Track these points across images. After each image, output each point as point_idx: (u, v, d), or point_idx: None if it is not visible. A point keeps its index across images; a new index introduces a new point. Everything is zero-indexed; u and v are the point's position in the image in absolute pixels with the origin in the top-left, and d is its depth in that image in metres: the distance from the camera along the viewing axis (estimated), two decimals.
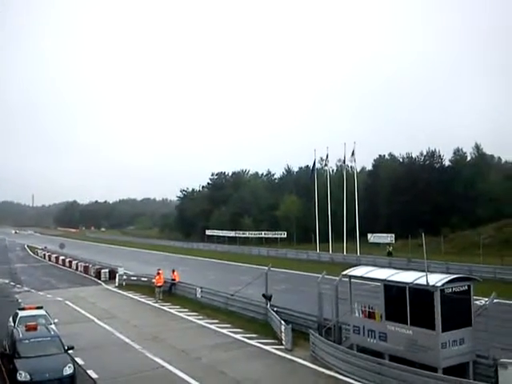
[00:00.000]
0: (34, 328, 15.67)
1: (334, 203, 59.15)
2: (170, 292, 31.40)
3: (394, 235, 56.57)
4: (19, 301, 29.88)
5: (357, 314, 16.38)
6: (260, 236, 79.94)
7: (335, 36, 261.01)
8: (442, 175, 70.65)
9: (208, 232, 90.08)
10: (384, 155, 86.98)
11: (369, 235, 58.54)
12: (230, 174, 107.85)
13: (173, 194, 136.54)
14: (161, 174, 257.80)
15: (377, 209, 73.01)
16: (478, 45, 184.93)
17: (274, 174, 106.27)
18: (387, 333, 15.00)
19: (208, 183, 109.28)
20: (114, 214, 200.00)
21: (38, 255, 68.64)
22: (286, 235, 74.22)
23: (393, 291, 15.15)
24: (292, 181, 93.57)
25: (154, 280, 31.27)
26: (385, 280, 15.38)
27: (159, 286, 30.45)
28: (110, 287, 36.50)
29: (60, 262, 54.42)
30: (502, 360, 13.09)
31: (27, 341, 14.92)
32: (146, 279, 35.06)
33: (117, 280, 36.99)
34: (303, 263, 48.99)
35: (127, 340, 20.40)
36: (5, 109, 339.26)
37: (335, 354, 15.68)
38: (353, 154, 56.95)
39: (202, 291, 28.76)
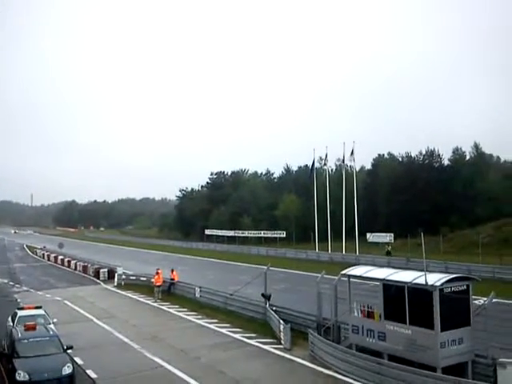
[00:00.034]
0: (33, 328, 15.66)
1: (333, 203, 59.18)
2: (169, 291, 31.39)
3: (393, 234, 56.59)
4: (18, 300, 29.88)
5: (356, 314, 16.38)
6: (259, 235, 79.93)
7: (335, 36, 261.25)
8: (441, 174, 70.69)
9: (207, 232, 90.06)
10: (383, 154, 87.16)
11: (368, 234, 58.56)
12: (229, 174, 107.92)
13: (172, 194, 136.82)
14: (160, 174, 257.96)
15: (376, 208, 73.05)
16: (478, 45, 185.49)
17: (273, 174, 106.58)
18: (386, 332, 15.01)
19: (207, 183, 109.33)
20: (113, 213, 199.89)
21: (36, 255, 68.60)
22: (285, 235, 74.24)
23: (392, 291, 15.15)
24: (291, 180, 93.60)
25: (153, 280, 31.26)
26: (384, 279, 15.39)
27: (158, 286, 30.44)
28: (108, 287, 36.48)
29: (59, 261, 54.37)
30: (500, 359, 13.11)
31: (26, 340, 14.92)
32: (144, 279, 35.05)
33: (116, 279, 37.00)
34: (302, 263, 49.00)
35: (126, 340, 20.40)
36: (4, 109, 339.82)
37: (334, 354, 15.68)
38: (352, 153, 56.95)
39: (201, 291, 28.75)
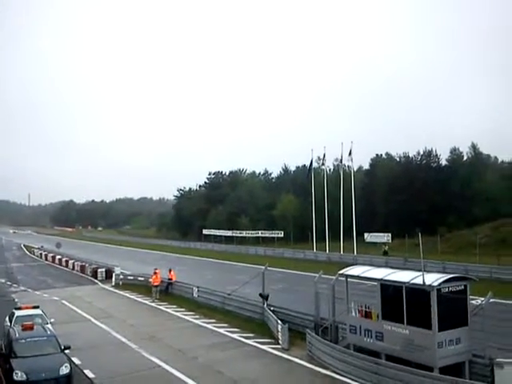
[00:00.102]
0: (31, 328, 15.65)
1: (331, 202, 59.18)
2: (167, 291, 31.38)
3: (390, 234, 56.68)
4: (15, 300, 29.87)
5: (353, 314, 16.40)
6: (257, 235, 79.92)
7: (333, 36, 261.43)
8: (439, 175, 70.79)
9: (205, 231, 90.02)
10: (381, 155, 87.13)
11: (365, 234, 58.62)
12: (227, 174, 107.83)
13: (170, 194, 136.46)
14: (158, 174, 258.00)
15: (374, 208, 73.06)
16: (477, 45, 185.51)
17: (271, 174, 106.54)
18: (384, 332, 15.02)
19: (205, 182, 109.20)
20: (111, 213, 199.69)
21: (34, 254, 68.52)
22: (282, 234, 74.18)
23: (389, 291, 15.17)
24: (289, 180, 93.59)
25: (150, 279, 31.24)
26: (381, 279, 15.40)
27: (156, 286, 30.43)
28: (106, 287, 36.44)
29: (56, 261, 54.33)
30: (498, 359, 13.13)
31: (23, 340, 14.90)
32: (142, 279, 35.03)
33: (113, 279, 36.95)
34: (300, 262, 49.03)
35: (124, 339, 20.38)
36: (3, 108, 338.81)
37: (332, 354, 15.70)
38: (350, 153, 56.98)
39: (198, 291, 28.74)
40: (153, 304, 28.97)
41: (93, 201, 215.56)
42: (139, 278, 35.70)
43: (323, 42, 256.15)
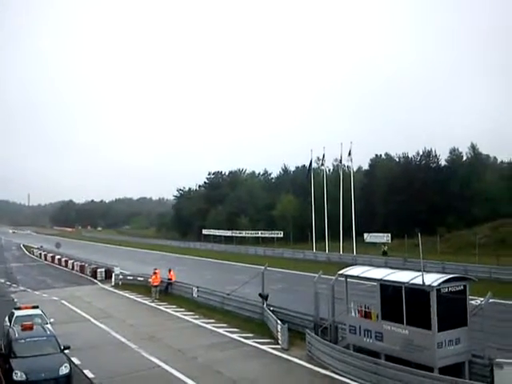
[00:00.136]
0: (30, 328, 15.64)
1: (331, 203, 59.16)
2: (167, 291, 31.37)
3: (390, 235, 56.67)
4: (15, 300, 29.87)
5: (353, 314, 16.41)
6: (257, 235, 79.90)
7: (333, 36, 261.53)
8: (438, 175, 70.79)
9: (205, 231, 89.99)
10: (380, 155, 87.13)
11: (365, 235, 58.61)
12: (226, 174, 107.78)
13: (169, 194, 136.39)
14: (157, 174, 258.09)
15: (373, 208, 73.05)
16: (477, 45, 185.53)
17: (270, 174, 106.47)
18: (383, 332, 15.03)
19: (205, 182, 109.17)
20: (111, 213, 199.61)
21: (33, 254, 68.50)
22: (282, 235, 74.17)
23: (389, 291, 15.18)
24: (289, 180, 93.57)
25: (150, 279, 31.23)
26: (381, 280, 15.40)
27: (155, 286, 30.43)
28: (106, 287, 36.44)
29: (56, 261, 54.32)
30: (497, 360, 13.14)
31: (23, 340, 14.90)
32: (142, 279, 35.03)
33: (113, 279, 36.94)
34: (300, 263, 49.03)
35: (123, 339, 20.38)
36: (3, 108, 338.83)
37: (331, 354, 15.70)
38: (349, 153, 57.01)
39: (198, 291, 28.74)
40: (152, 304, 28.97)
41: (92, 201, 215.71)
42: (139, 278, 35.70)
43: (323, 42, 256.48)
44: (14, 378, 13.53)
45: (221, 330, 21.57)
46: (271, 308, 21.86)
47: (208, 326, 22.53)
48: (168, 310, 26.82)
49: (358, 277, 16.79)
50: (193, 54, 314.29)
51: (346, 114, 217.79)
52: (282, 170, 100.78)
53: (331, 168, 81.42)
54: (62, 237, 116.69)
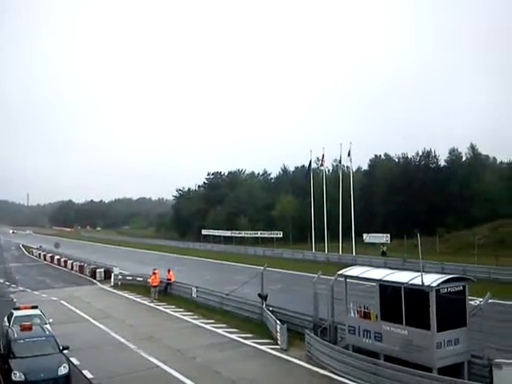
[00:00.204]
0: (29, 328, 15.62)
1: (330, 203, 59.17)
2: (166, 292, 31.36)
3: (389, 235, 56.68)
4: (14, 300, 29.83)
5: (352, 314, 16.41)
6: (256, 236, 79.91)
7: (333, 36, 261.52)
8: (438, 175, 70.87)
9: (204, 232, 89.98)
10: (380, 155, 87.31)
11: (364, 235, 58.59)
12: (226, 174, 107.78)
13: (169, 194, 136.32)
14: (157, 174, 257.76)
15: (372, 209, 73.11)
16: (476, 45, 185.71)
17: (270, 174, 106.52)
18: (382, 333, 15.03)
19: (204, 183, 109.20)
20: (110, 213, 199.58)
21: (32, 254, 68.46)
22: (281, 235, 74.20)
23: (388, 291, 15.18)
24: (288, 180, 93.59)
25: (149, 280, 31.22)
26: (380, 280, 15.41)
27: (155, 286, 30.42)
28: (105, 287, 36.42)
29: (55, 261, 54.29)
30: (496, 360, 13.14)
31: (22, 341, 14.87)
32: (141, 279, 35.01)
33: (112, 280, 36.91)
34: (299, 263, 49.01)
35: (122, 340, 20.38)
36: (2, 108, 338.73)
37: (330, 354, 15.69)
38: (349, 154, 57.01)
39: (197, 291, 28.73)
40: (151, 304, 28.96)
41: (91, 201, 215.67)
42: (138, 279, 35.68)
43: (322, 43, 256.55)
44: (13, 378, 13.52)
45: (220, 331, 21.57)
46: (270, 308, 21.84)
47: (207, 327, 22.53)
48: (167, 311, 26.81)
49: (357, 277, 16.79)
50: (192, 53, 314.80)
51: (345, 114, 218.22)
52: (282, 170, 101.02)
53: (331, 168, 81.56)
54: (61, 237, 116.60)
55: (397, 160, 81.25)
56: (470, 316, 14.25)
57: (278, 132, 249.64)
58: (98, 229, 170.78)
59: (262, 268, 24.04)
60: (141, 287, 33.45)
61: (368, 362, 14.13)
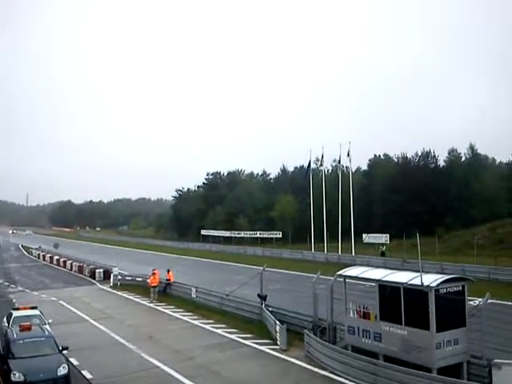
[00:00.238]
0: (29, 328, 15.60)
1: (329, 203, 59.20)
2: (165, 292, 31.35)
3: (388, 235, 56.72)
4: (13, 301, 29.83)
5: (351, 315, 16.42)
6: (255, 236, 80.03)
7: (331, 37, 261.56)
8: (437, 175, 70.88)
9: (203, 232, 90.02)
10: (379, 155, 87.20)
11: (364, 235, 58.63)
12: (225, 174, 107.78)
13: (168, 194, 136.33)
14: (156, 174, 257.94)
15: (372, 209, 73.11)
16: (476, 45, 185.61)
17: (269, 174, 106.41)
18: (382, 333, 15.04)
19: (203, 183, 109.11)
20: (109, 213, 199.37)
21: (32, 255, 68.40)
22: (281, 235, 74.31)
23: (387, 291, 15.20)
24: (287, 181, 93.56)
25: (148, 280, 31.21)
26: (379, 280, 15.42)
27: (154, 286, 30.41)
28: (104, 287, 36.41)
29: (54, 261, 54.24)
30: (495, 360, 13.16)
31: (21, 341, 14.86)
32: (140, 279, 35.00)
33: (111, 280, 36.89)
34: (298, 263, 49.02)
35: (122, 340, 20.37)
36: (1, 108, 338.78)
37: (330, 355, 15.70)
38: (348, 154, 57.05)
39: (196, 291, 28.73)
40: (151, 305, 28.95)
41: (91, 201, 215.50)
42: (137, 279, 35.66)
43: (321, 43, 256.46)
44: (12, 378, 13.50)
45: (219, 331, 21.57)
46: (270, 309, 21.83)
47: (207, 327, 22.53)
48: (166, 311, 26.80)
49: (356, 277, 16.81)
50: (192, 53, 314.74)
51: (344, 114, 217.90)
52: (281, 170, 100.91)
53: (330, 168, 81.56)
54: (61, 237, 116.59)
55: (396, 160, 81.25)
56: (469, 316, 14.26)
57: (278, 132, 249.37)
58: (98, 229, 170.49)
59: (261, 268, 24.04)
60: (140, 287, 33.44)
61: (367, 362, 14.13)
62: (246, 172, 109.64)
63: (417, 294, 13.93)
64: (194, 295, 28.73)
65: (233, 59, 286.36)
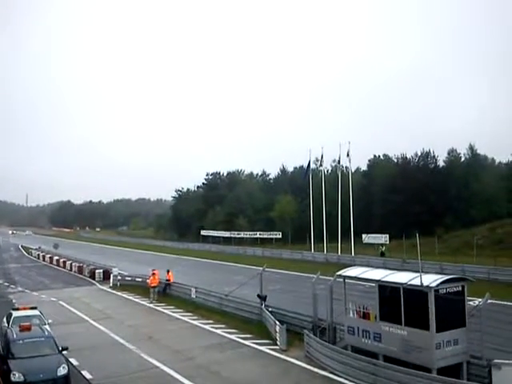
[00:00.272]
0: (28, 328, 15.60)
1: (329, 204, 59.22)
2: (165, 292, 31.34)
3: (388, 236, 56.73)
4: (13, 301, 29.82)
5: (351, 315, 16.42)
6: (255, 236, 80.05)
7: (331, 37, 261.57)
8: (437, 176, 70.91)
9: (203, 232, 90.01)
10: (379, 156, 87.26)
11: (363, 235, 58.65)
12: (224, 174, 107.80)
13: (168, 194, 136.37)
14: (156, 174, 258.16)
15: (371, 209, 73.13)
16: (476, 45, 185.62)
17: (269, 175, 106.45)
18: (381, 333, 15.04)
19: (203, 183, 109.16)
20: (109, 214, 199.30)
21: (32, 255, 68.38)
22: (281, 235, 74.32)
23: (387, 292, 15.21)
24: (287, 181, 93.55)
25: (148, 280, 31.21)
26: (379, 280, 15.43)
27: (154, 287, 30.40)
28: (104, 287, 36.40)
29: (54, 262, 54.22)
30: (495, 360, 13.16)
31: (21, 341, 14.86)
32: (140, 280, 34.99)
33: (111, 280, 36.89)
34: (298, 263, 49.03)
35: (122, 340, 20.37)
36: (1, 108, 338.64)
37: (330, 355, 15.70)
38: (348, 154, 57.09)
39: (196, 291, 28.73)
40: (151, 305, 28.95)
41: (90, 201, 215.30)
42: (137, 279, 35.65)
43: (321, 43, 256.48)
44: (12, 379, 13.50)
45: (219, 331, 21.57)
46: (269, 309, 21.83)
47: (206, 327, 22.53)
48: (166, 311, 26.80)
49: (356, 278, 16.81)
50: (191, 55, 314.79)
51: (344, 114, 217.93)
52: (281, 170, 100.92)
53: (330, 169, 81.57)
54: (61, 237, 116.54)
55: (396, 160, 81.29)
56: (469, 316, 14.26)
57: (277, 132, 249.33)
58: (98, 229, 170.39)
59: (260, 269, 24.04)
60: (140, 288, 33.43)
61: (367, 362, 14.14)
62: (245, 172, 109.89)
63: (416, 295, 13.93)
64: (193, 295, 28.72)
65: (233, 60, 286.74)
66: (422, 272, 14.30)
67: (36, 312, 19.27)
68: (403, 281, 14.54)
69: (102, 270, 40.53)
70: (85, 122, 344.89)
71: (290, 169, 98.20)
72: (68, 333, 20.34)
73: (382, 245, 54.21)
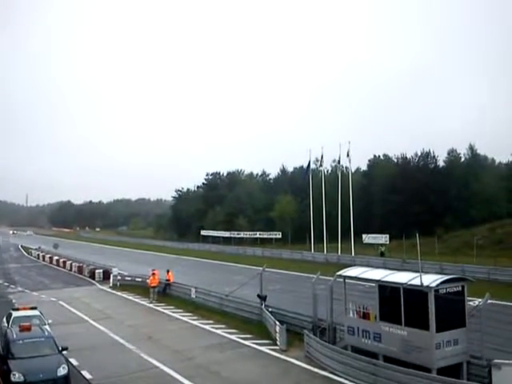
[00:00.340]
0: (28, 329, 15.59)
1: (329, 204, 59.23)
2: (165, 292, 31.33)
3: (388, 236, 56.73)
4: (13, 301, 29.81)
5: (351, 315, 16.42)
6: (255, 236, 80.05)
7: (331, 36, 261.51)
8: (436, 176, 70.94)
9: (203, 232, 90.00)
10: (379, 156, 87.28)
11: (363, 236, 58.65)
12: (224, 174, 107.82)
13: (168, 195, 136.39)
14: (156, 174, 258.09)
15: (371, 209, 73.12)
16: (476, 45, 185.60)
17: (268, 175, 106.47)
18: (381, 333, 15.04)
19: (203, 183, 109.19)
20: (109, 214, 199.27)
21: (32, 255, 68.37)
22: (280, 235, 74.31)
23: (387, 292, 15.21)
24: (287, 181, 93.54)
25: (148, 280, 31.21)
26: (379, 280, 15.43)
27: (154, 287, 30.40)
28: (104, 287, 36.40)
29: (54, 262, 54.22)
30: (495, 361, 13.15)
31: (21, 341, 14.85)
32: (140, 280, 34.99)
33: (111, 280, 36.89)
34: (298, 263, 49.02)
35: (122, 340, 20.37)
36: (1, 108, 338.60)
37: (329, 355, 15.70)
38: (348, 154, 57.10)
39: (196, 291, 28.73)
40: (151, 305, 28.94)
41: (90, 201, 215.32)
42: (137, 279, 35.65)
43: (321, 43, 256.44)
44: (12, 379, 13.50)
45: (219, 331, 21.57)
46: (269, 309, 21.83)
47: (206, 327, 22.53)
48: (166, 311, 26.80)
49: (356, 278, 16.81)
50: (191, 55, 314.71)
51: (344, 114, 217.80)
52: (281, 170, 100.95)
53: (329, 169, 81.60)
54: (60, 237, 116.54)
55: (396, 160, 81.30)
56: (469, 316, 14.26)
57: (277, 132, 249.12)
58: (97, 229, 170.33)
59: (260, 269, 24.04)
60: (140, 288, 33.43)
61: (367, 362, 14.13)
62: (245, 172, 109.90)
63: (416, 295, 13.93)
64: (193, 295, 28.72)
65: (233, 60, 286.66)
66: (422, 272, 14.30)
67: (36, 312, 19.26)
68: (403, 281, 14.54)
69: (101, 270, 40.53)
70: (85, 121, 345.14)
71: (290, 169, 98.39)
72: (68, 333, 20.33)
73: (381, 245, 54.21)
